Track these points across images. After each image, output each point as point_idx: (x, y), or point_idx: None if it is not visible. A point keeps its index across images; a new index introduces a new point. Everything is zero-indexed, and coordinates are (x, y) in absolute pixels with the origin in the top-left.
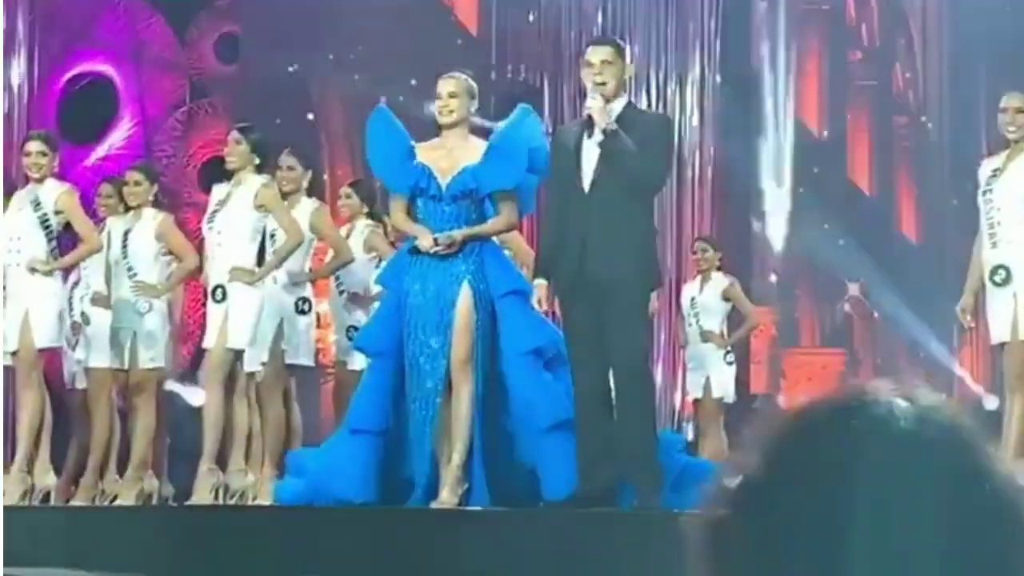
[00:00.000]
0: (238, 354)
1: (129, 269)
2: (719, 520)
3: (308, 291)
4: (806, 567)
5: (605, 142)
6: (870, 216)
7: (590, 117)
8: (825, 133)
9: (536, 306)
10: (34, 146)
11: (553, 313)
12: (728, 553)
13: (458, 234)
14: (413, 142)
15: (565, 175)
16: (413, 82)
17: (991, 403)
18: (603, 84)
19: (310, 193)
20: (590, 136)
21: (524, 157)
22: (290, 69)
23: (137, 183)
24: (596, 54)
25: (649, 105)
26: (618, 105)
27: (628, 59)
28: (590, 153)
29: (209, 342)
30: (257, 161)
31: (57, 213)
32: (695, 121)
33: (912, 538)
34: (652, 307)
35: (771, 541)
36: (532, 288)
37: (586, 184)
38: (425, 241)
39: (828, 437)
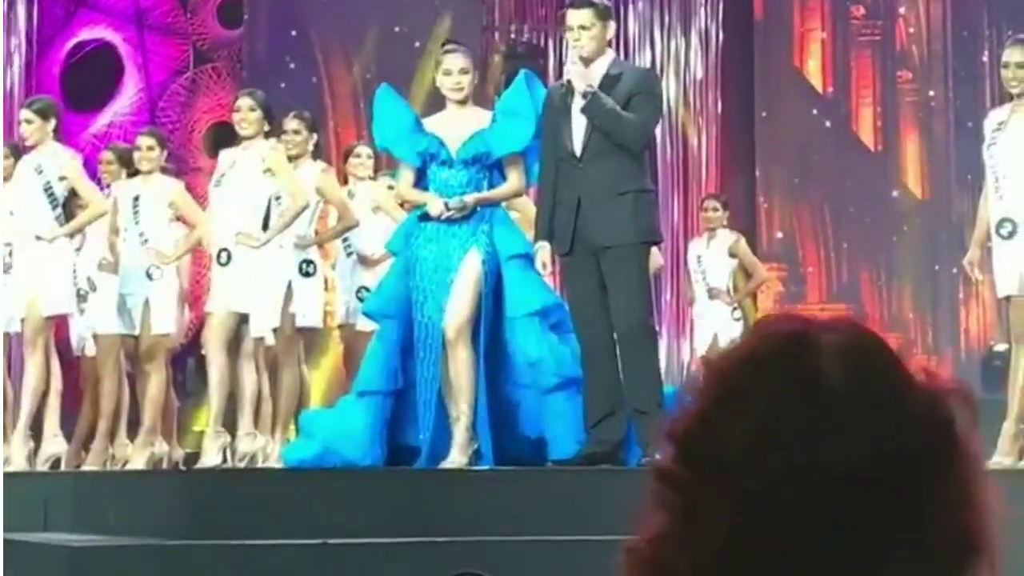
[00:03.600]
0: (242, 317)
1: (140, 235)
2: (664, 469)
3: (312, 254)
4: (739, 519)
5: (586, 106)
6: (875, 171)
7: (570, 81)
8: (830, 88)
9: (540, 268)
10: (23, 114)
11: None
12: (672, 502)
13: (469, 199)
14: (419, 115)
15: (556, 137)
16: (416, 44)
17: (1000, 347)
18: (581, 48)
19: (315, 156)
20: (572, 99)
21: (532, 119)
22: (292, 33)
23: (150, 148)
24: (574, 17)
25: (653, 62)
26: (602, 64)
27: (609, 17)
28: (577, 116)
29: (212, 305)
30: (267, 127)
31: (61, 179)
32: (699, 76)
33: (841, 480)
34: (657, 265)
35: (708, 491)
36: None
37: (577, 146)
38: (436, 207)
39: (751, 392)
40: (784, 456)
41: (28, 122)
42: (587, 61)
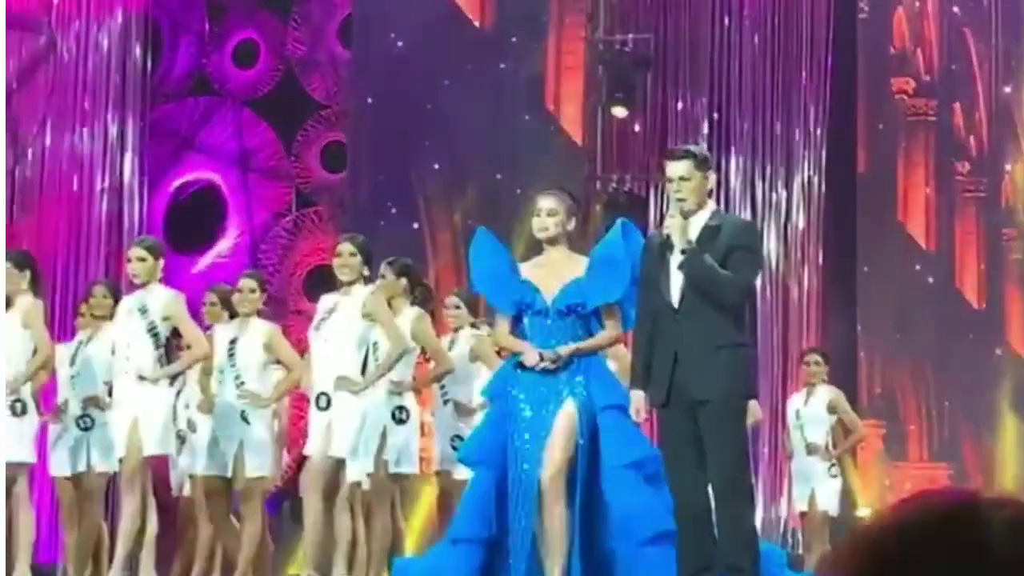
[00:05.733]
0: (339, 462)
1: (236, 377)
2: None
3: (407, 400)
4: None
5: (684, 263)
6: (978, 328)
7: (669, 236)
8: (933, 244)
9: (634, 416)
10: (134, 252)
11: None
12: None
13: (564, 350)
14: (516, 260)
15: (654, 287)
16: (518, 191)
17: None
18: (682, 200)
19: (418, 303)
20: (671, 253)
21: (628, 269)
22: (395, 178)
23: (252, 291)
24: (673, 169)
25: (754, 213)
26: (702, 216)
27: (708, 167)
28: (676, 269)
29: (311, 449)
30: (367, 272)
31: (164, 319)
32: (800, 228)
33: None
34: (755, 418)
35: None
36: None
37: (674, 298)
38: (531, 358)
39: (910, 562)
40: None
41: (141, 260)
42: (687, 213)
